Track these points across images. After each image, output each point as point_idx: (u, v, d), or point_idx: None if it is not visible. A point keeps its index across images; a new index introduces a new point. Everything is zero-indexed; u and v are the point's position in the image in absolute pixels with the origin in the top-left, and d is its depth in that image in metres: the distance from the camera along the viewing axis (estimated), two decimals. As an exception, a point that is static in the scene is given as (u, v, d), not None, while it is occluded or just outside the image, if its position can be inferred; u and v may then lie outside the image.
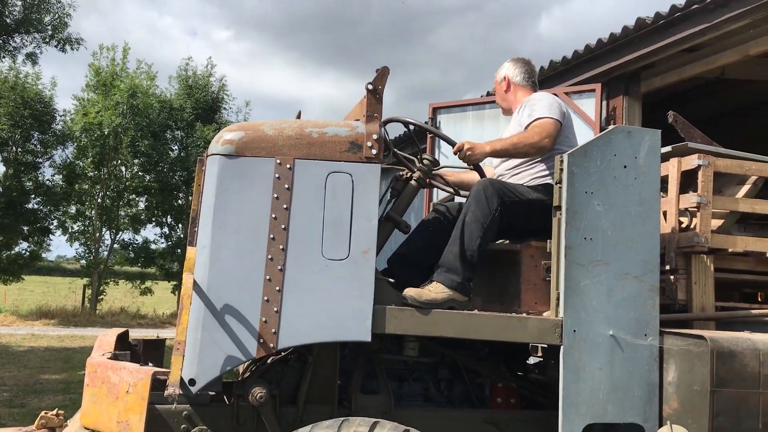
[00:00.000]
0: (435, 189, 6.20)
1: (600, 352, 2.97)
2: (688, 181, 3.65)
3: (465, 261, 3.09)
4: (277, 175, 2.93)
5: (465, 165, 3.41)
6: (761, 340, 2.95)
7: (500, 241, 3.43)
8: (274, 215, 2.90)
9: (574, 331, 2.96)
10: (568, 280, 2.98)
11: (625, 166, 3.10)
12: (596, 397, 2.94)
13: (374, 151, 2.98)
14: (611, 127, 3.19)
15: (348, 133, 3.01)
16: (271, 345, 2.83)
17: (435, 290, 3.02)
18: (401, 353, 3.39)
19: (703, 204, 3.46)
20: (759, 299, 4.04)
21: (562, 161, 3.06)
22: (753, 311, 3.48)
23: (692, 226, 3.56)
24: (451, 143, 3.36)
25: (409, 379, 3.49)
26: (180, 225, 23.50)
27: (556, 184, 3.08)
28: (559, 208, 3.05)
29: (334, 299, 2.88)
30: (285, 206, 2.92)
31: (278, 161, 2.94)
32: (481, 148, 3.27)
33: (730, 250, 3.52)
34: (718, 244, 3.49)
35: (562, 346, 2.94)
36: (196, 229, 2.98)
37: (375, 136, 2.99)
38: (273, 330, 2.84)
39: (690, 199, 3.51)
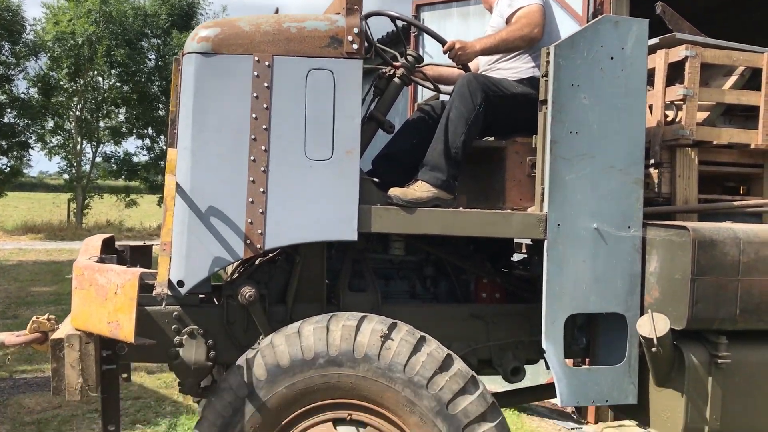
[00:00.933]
0: (420, 89, 6.11)
1: (584, 245, 3.01)
2: (674, 74, 3.59)
3: (449, 159, 3.07)
4: (255, 73, 2.85)
5: (451, 63, 3.34)
6: (742, 229, 2.99)
7: (485, 138, 3.40)
8: (254, 115, 2.85)
9: (558, 225, 2.98)
10: (553, 175, 2.97)
11: (611, 58, 3.04)
12: (579, 289, 3.00)
13: (355, 46, 2.89)
14: (598, 17, 3.10)
15: (327, 28, 2.91)
16: (258, 246, 2.84)
17: (420, 189, 3.01)
18: (387, 252, 3.42)
19: (689, 96, 3.42)
20: (741, 192, 4.07)
21: (548, 53, 2.99)
22: (735, 203, 3.52)
23: (678, 120, 3.53)
24: (442, 41, 3.29)
25: (395, 277, 3.53)
26: (162, 137, 23.19)
27: (543, 77, 3.02)
28: (545, 101, 3.01)
29: (319, 199, 2.87)
30: (265, 105, 2.86)
31: (256, 58, 2.86)
32: (471, 46, 3.20)
33: (714, 142, 3.50)
34: (703, 137, 3.48)
35: (546, 240, 2.97)
36: (176, 131, 2.93)
37: (356, 30, 2.89)
38: (259, 231, 2.84)
39: (676, 92, 3.46)
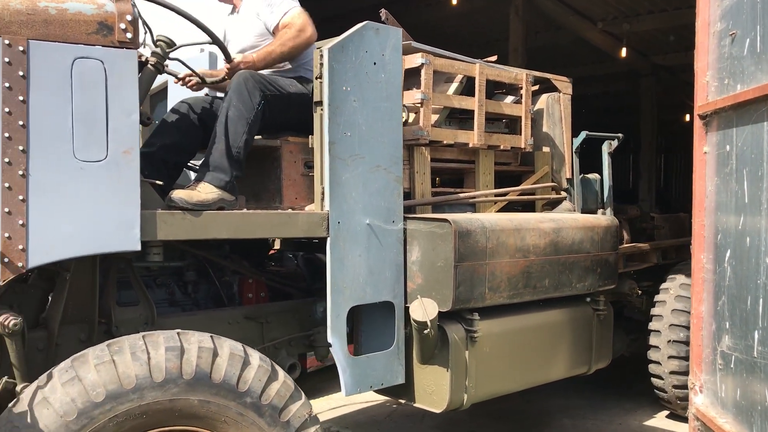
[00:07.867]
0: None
1: (359, 240, 3.17)
2: (408, 80, 3.95)
3: (232, 159, 2.96)
4: (6, 59, 2.39)
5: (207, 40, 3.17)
6: (486, 219, 3.45)
7: (258, 136, 3.33)
8: (7, 109, 2.39)
9: (339, 222, 3.09)
10: (332, 174, 3.06)
11: (374, 63, 3.23)
12: (357, 282, 3.15)
13: (129, 35, 2.60)
14: (362, 24, 3.25)
15: (94, 12, 2.56)
16: (20, 264, 2.40)
17: (204, 191, 2.85)
18: (145, 260, 3.15)
19: (425, 100, 3.80)
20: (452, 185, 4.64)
21: (322, 56, 3.06)
22: (461, 195, 4.02)
23: (411, 121, 3.90)
24: (227, 55, 3.21)
25: (155, 285, 3.28)
26: None
27: (317, 78, 3.08)
28: (320, 103, 3.07)
29: (93, 206, 2.53)
30: (21, 98, 2.41)
31: (6, 42, 2.39)
32: (254, 62, 3.20)
33: (444, 142, 3.95)
34: (436, 137, 3.89)
35: (329, 238, 3.06)
36: None
37: (129, 17, 2.59)
38: (20, 246, 2.40)
39: (414, 96, 3.82)
